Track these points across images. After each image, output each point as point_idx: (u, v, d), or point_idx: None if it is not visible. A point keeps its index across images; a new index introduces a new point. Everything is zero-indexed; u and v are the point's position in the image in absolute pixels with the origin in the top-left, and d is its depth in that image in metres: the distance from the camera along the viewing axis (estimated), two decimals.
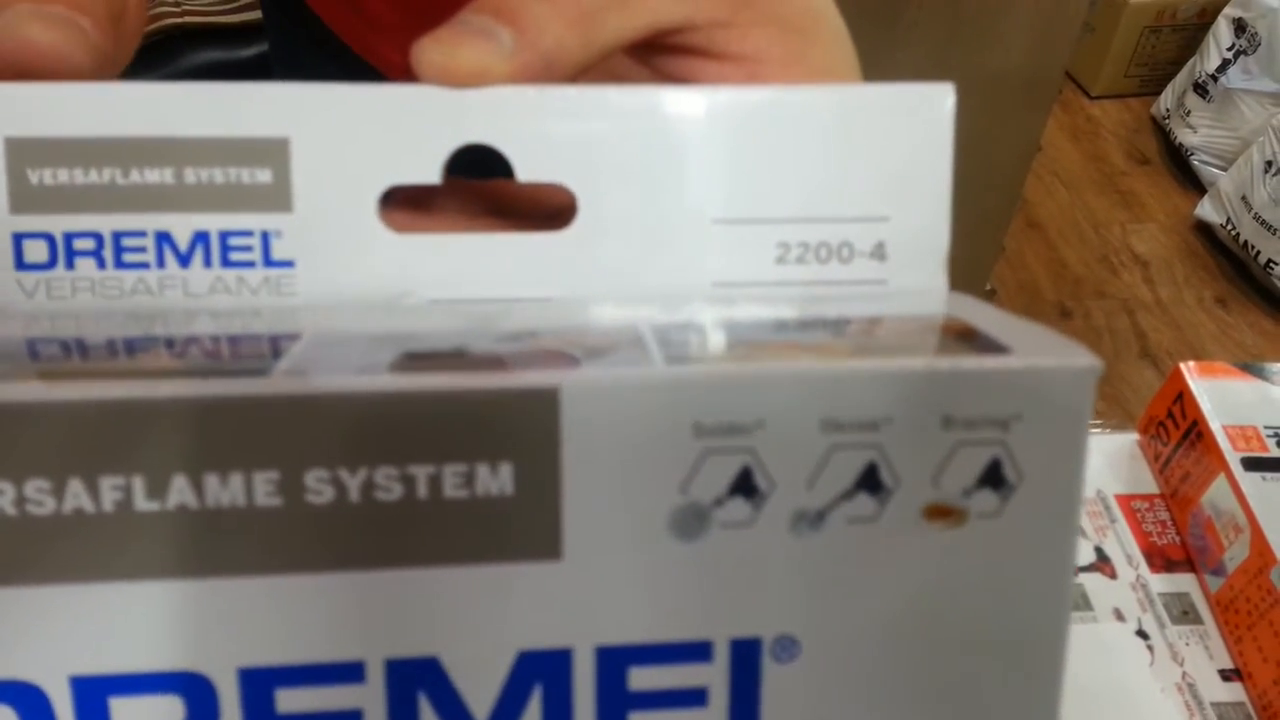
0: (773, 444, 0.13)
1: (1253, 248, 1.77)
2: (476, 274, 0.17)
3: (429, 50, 0.17)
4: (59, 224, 0.16)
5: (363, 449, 0.13)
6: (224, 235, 0.16)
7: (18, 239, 0.16)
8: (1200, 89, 1.99)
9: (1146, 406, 0.48)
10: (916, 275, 0.18)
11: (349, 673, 0.14)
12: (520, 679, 0.14)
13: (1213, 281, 1.84)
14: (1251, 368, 0.46)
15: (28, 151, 0.16)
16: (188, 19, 1.52)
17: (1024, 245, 1.87)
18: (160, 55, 1.50)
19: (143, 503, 0.13)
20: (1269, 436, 0.43)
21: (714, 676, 0.14)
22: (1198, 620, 0.42)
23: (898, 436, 0.14)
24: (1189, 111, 2.01)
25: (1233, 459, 0.42)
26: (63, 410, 0.12)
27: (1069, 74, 2.25)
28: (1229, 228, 1.82)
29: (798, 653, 0.14)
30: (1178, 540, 0.45)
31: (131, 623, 0.13)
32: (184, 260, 0.16)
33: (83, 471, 0.13)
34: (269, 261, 0.17)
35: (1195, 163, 1.98)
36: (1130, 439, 0.49)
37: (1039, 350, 0.14)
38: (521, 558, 0.14)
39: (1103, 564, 0.44)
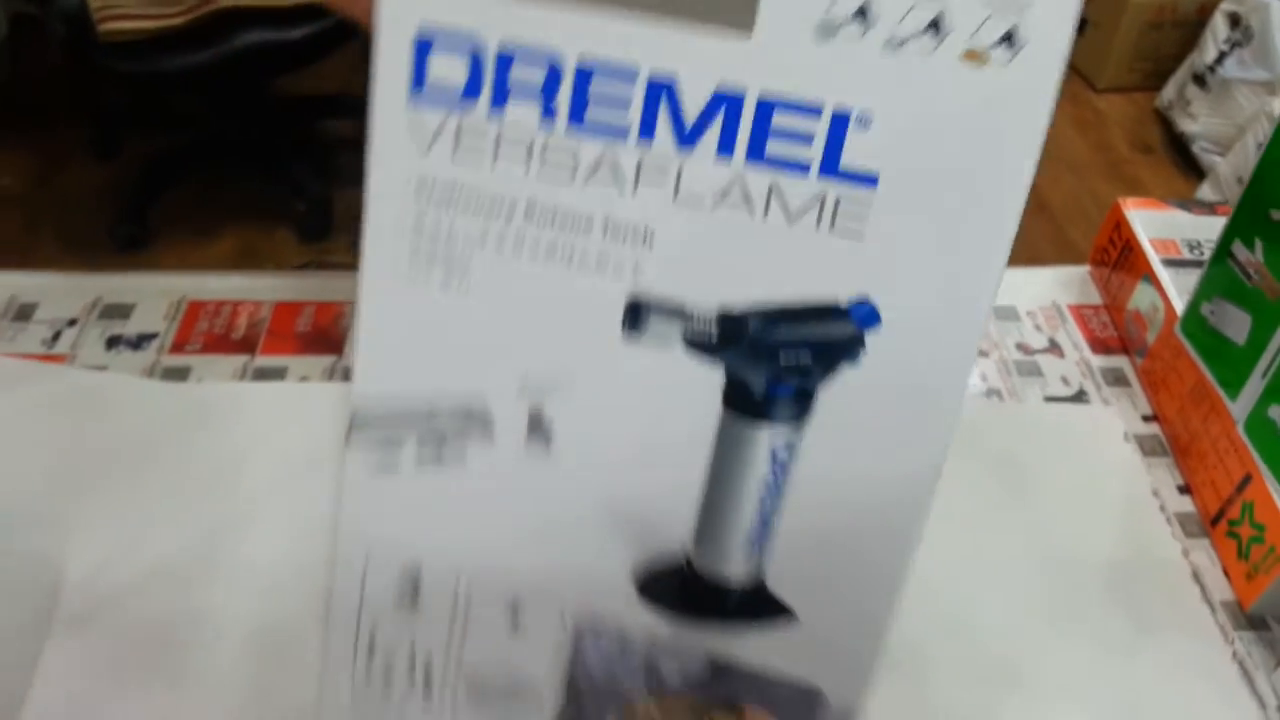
0: None
1: None
2: None
3: None
4: None
5: None
6: None
7: None
8: (1199, 80, 2.10)
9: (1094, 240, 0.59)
10: None
11: (629, 75, 0.26)
12: (714, 104, 0.26)
13: None
14: (1175, 202, 0.58)
15: None
16: (241, 1, 1.65)
17: (1033, 226, 1.98)
18: (214, 35, 1.64)
19: None
20: (1183, 245, 0.54)
21: (819, 127, 0.26)
22: (1127, 384, 0.54)
23: (956, 2, 0.25)
24: (1189, 102, 2.12)
25: (1155, 261, 0.54)
26: None
27: (1076, 69, 2.36)
28: None
29: (871, 124, 0.26)
30: (1116, 335, 0.56)
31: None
32: None
33: None
34: None
35: (1196, 150, 2.09)
36: (1083, 269, 0.60)
37: None
38: (729, 24, 0.26)
39: (1054, 349, 0.55)
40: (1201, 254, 0.54)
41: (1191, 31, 2.21)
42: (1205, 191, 1.97)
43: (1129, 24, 2.24)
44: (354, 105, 1.94)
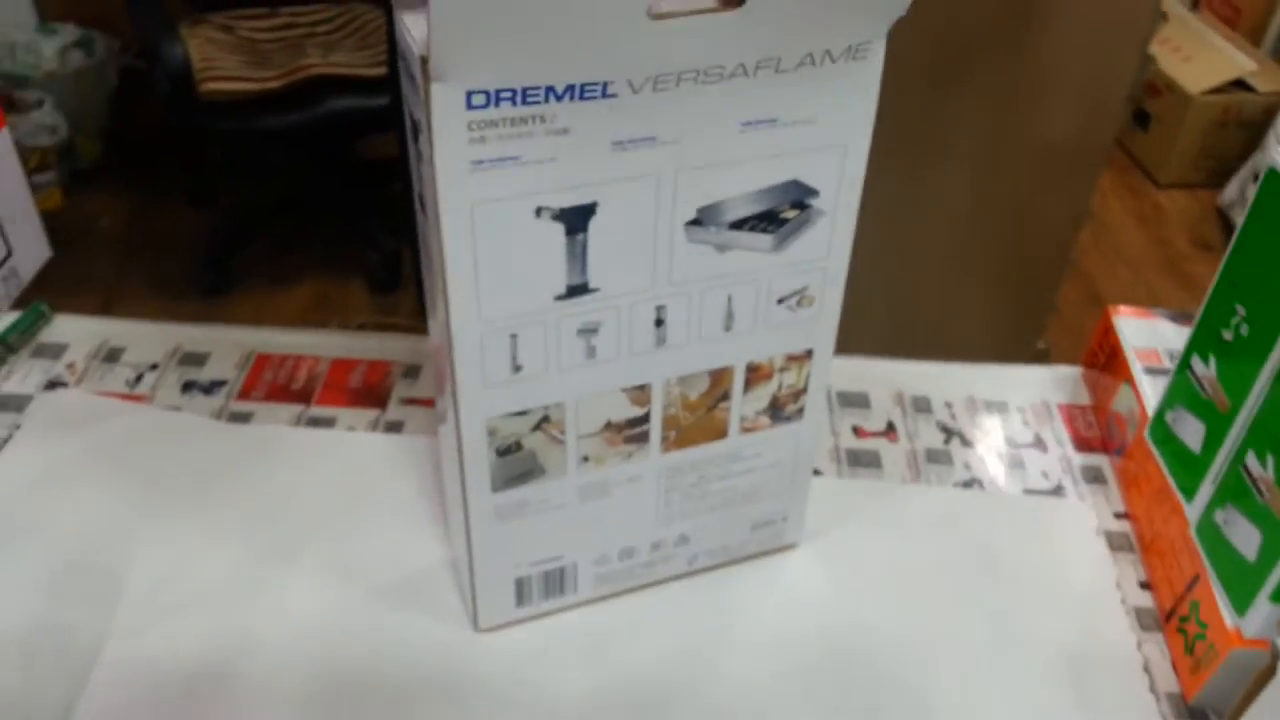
0: None
1: None
2: None
3: None
4: None
5: None
6: None
7: None
8: None
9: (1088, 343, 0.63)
10: None
11: None
12: None
13: None
14: (1163, 312, 0.61)
15: None
16: (332, 70, 1.77)
17: (1085, 316, 2.00)
18: (306, 99, 1.76)
19: None
20: (1164, 354, 0.58)
21: None
22: (1104, 482, 0.57)
23: None
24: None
25: (1136, 367, 0.58)
26: None
27: (1139, 163, 2.38)
28: None
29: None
30: (1098, 435, 0.60)
31: None
32: None
33: None
34: None
35: None
36: (1076, 370, 0.64)
37: None
38: None
39: (1038, 444, 0.59)
40: None
41: (1256, 131, 2.23)
42: None
43: (1193, 121, 2.27)
44: None
